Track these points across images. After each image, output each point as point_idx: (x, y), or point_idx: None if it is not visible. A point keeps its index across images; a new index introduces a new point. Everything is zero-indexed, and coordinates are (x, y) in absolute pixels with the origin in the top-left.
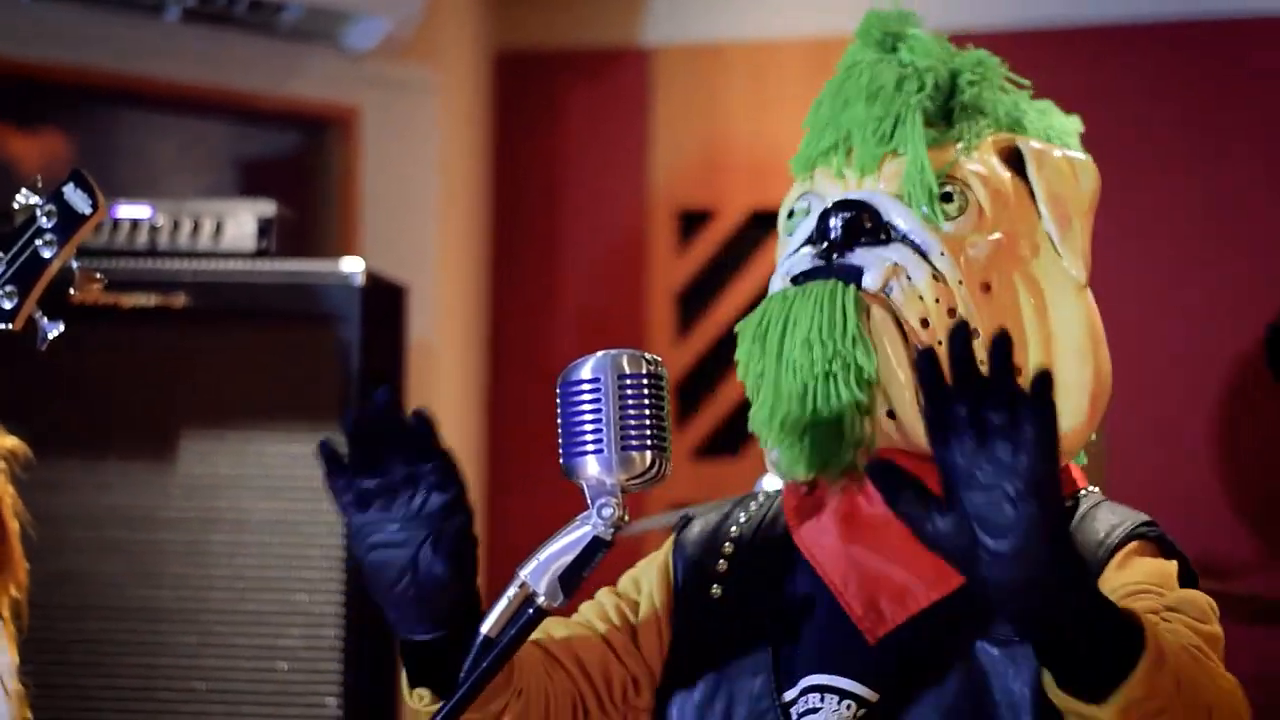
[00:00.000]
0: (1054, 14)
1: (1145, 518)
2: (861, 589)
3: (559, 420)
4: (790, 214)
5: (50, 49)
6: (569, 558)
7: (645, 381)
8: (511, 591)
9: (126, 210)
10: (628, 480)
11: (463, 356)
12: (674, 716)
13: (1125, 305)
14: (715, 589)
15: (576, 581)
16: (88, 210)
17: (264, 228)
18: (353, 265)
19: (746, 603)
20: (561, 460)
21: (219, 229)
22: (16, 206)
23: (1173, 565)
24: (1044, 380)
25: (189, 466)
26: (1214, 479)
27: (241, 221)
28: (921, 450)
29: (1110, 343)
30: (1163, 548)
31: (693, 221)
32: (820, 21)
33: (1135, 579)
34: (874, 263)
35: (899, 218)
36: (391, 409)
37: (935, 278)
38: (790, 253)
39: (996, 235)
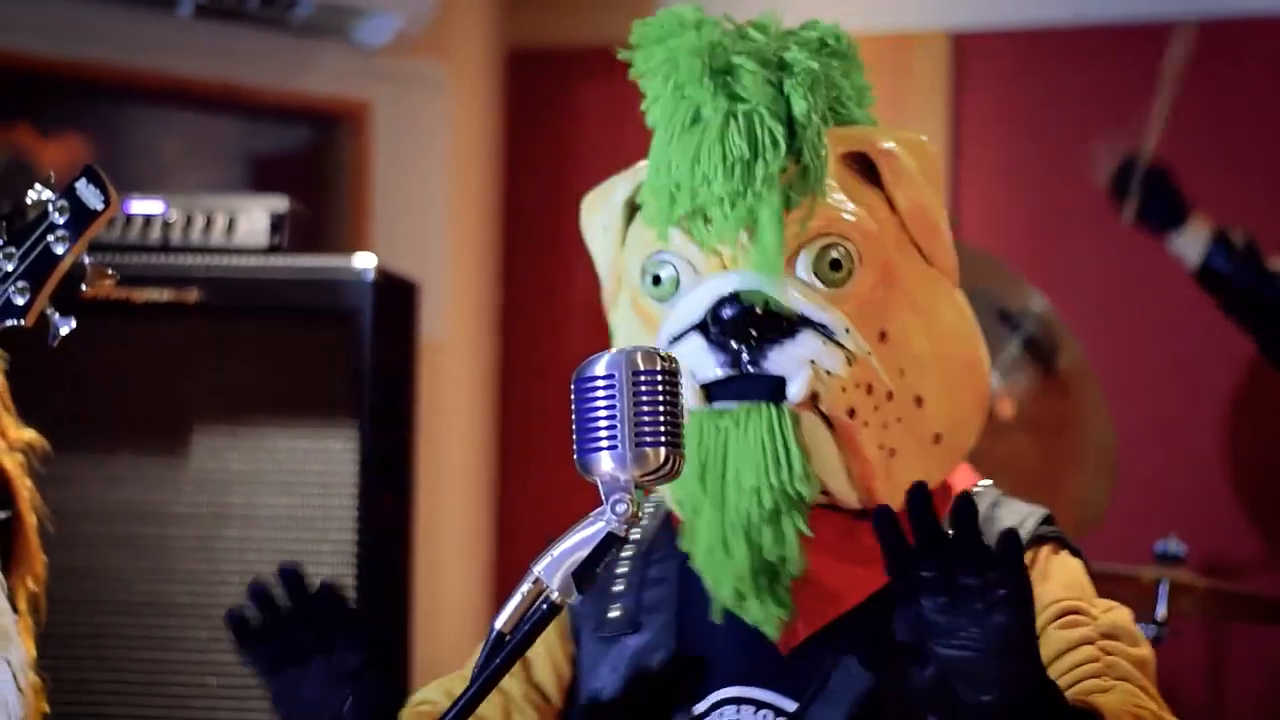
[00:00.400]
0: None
1: (1044, 513)
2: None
3: (573, 417)
4: (656, 279)
5: (62, 45)
6: (583, 553)
7: (659, 378)
8: (525, 587)
9: (139, 205)
10: (641, 476)
11: (473, 353)
12: None
13: (1132, 305)
14: (614, 610)
15: (590, 577)
16: (100, 206)
17: (277, 223)
18: (365, 261)
19: (648, 621)
20: (576, 456)
21: (232, 224)
22: (29, 202)
23: (1079, 565)
24: (1012, 540)
25: (201, 461)
26: (1219, 479)
27: (254, 217)
28: (848, 507)
29: (1118, 342)
30: (1063, 546)
31: None
32: (840, 16)
33: (1059, 594)
34: (792, 368)
35: (794, 301)
36: (297, 583)
37: (849, 360)
38: (679, 333)
39: (877, 277)
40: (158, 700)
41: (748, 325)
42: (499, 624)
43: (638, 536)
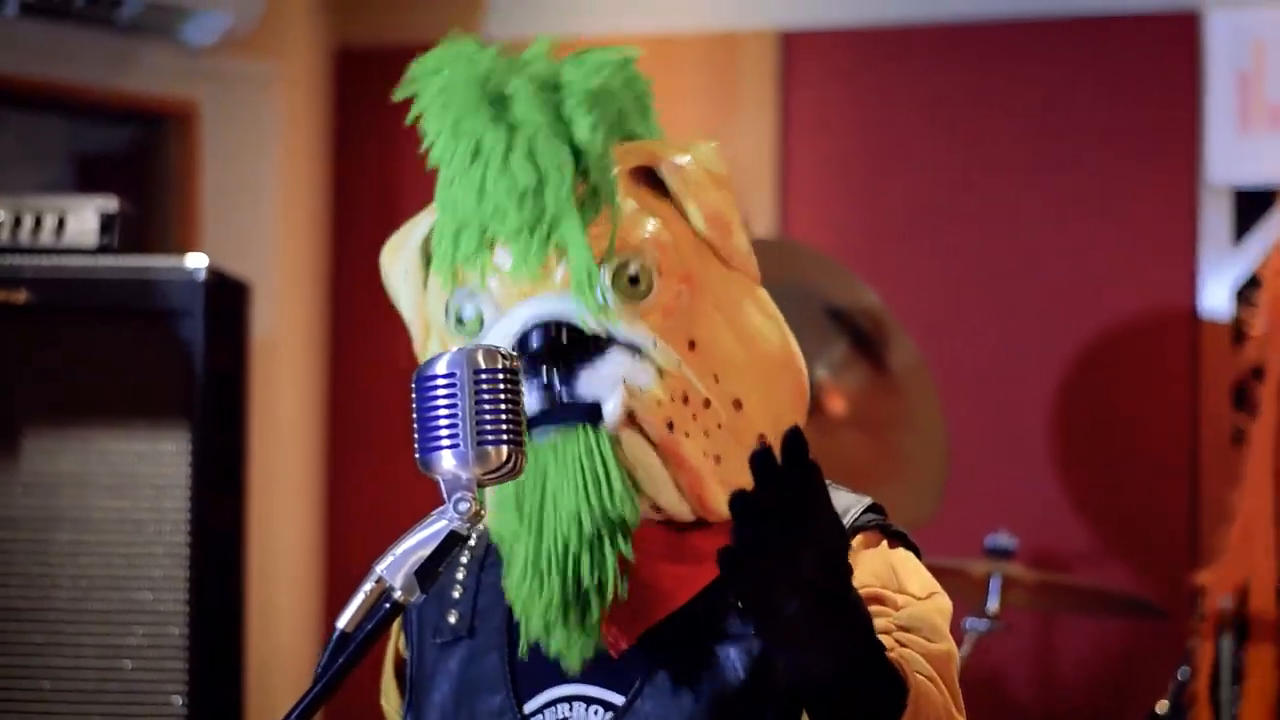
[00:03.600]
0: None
1: (868, 502)
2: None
3: (414, 415)
4: (460, 319)
5: None
6: (425, 552)
7: (501, 376)
8: (368, 586)
9: None
10: (484, 475)
11: (304, 353)
12: None
13: (963, 301)
14: (451, 615)
15: (433, 576)
16: None
17: (107, 223)
18: (196, 261)
19: (481, 626)
20: (417, 455)
21: (61, 224)
22: None
23: (899, 555)
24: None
25: (31, 464)
26: (1047, 473)
27: (84, 217)
28: (682, 520)
29: (950, 337)
30: (886, 534)
31: None
32: (667, 21)
33: (863, 580)
34: (604, 389)
35: (598, 321)
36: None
37: (660, 373)
38: None
39: (680, 287)
40: None
41: (556, 351)
42: (341, 623)
43: (473, 543)
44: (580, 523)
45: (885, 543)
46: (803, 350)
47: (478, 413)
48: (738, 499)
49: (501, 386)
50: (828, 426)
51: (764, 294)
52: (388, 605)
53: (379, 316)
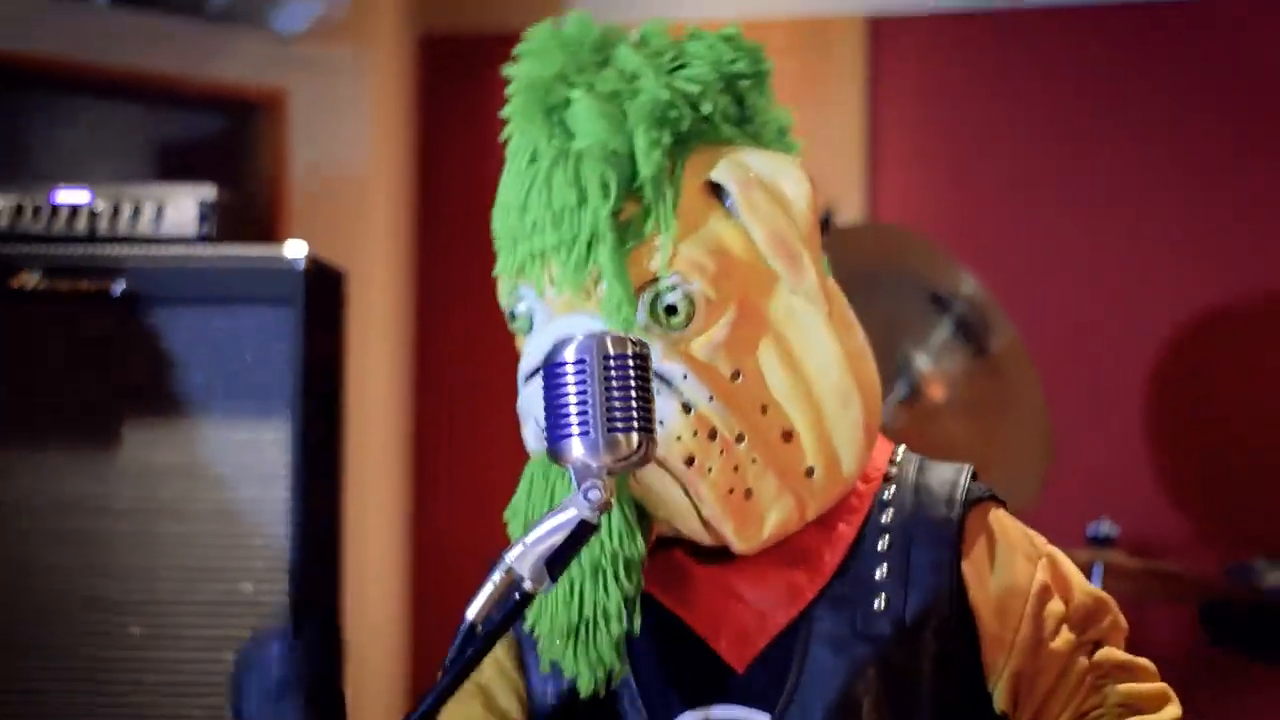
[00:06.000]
0: None
1: (970, 468)
2: (720, 624)
3: (544, 404)
4: (513, 313)
5: None
6: (555, 541)
7: (630, 362)
8: (496, 576)
9: (65, 195)
10: (614, 462)
11: (394, 341)
12: None
13: (1062, 284)
14: None
15: (562, 565)
16: None
17: (205, 212)
18: (295, 250)
19: None
20: (547, 444)
21: (160, 213)
22: None
23: (1018, 525)
24: None
25: (132, 455)
26: (1145, 459)
27: (182, 206)
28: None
29: (1051, 322)
30: (996, 501)
31: None
32: (755, 6)
33: (1029, 570)
34: None
35: None
36: None
37: (685, 408)
38: (527, 374)
39: (729, 314)
40: (96, 698)
41: None
42: (471, 614)
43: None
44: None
45: (998, 510)
46: (903, 336)
47: (608, 399)
48: None
49: (631, 373)
50: (928, 413)
51: (840, 322)
52: (517, 596)
53: (466, 303)
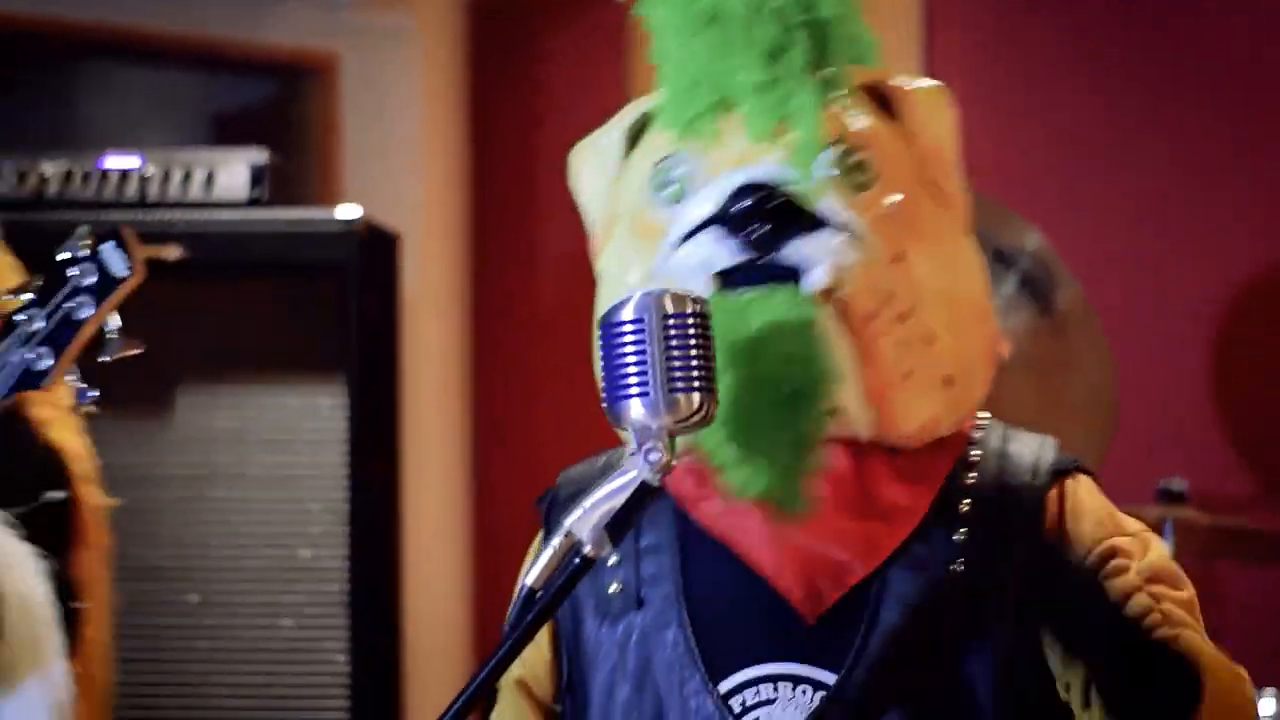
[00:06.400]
0: None
1: (1055, 441)
2: (795, 570)
3: (600, 364)
4: (665, 181)
5: None
6: (616, 504)
7: (690, 321)
8: (556, 541)
9: (115, 161)
10: (675, 424)
11: (449, 306)
12: None
13: (1129, 240)
14: (613, 586)
15: (624, 529)
16: (124, 273)
17: (257, 176)
18: (349, 212)
19: (650, 595)
20: (604, 405)
21: (210, 178)
22: (60, 258)
23: (1099, 498)
24: None
25: (187, 421)
26: (1224, 416)
27: (234, 171)
28: (859, 437)
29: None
30: (1082, 469)
31: None
32: None
33: (1095, 534)
34: (811, 258)
35: (816, 197)
36: None
37: (869, 266)
38: (689, 231)
39: (898, 197)
40: (151, 666)
41: (766, 214)
42: (529, 580)
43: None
44: (788, 365)
45: (1083, 479)
46: None
47: (668, 359)
48: None
49: (692, 331)
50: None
51: (973, 244)
52: (577, 560)
53: (518, 268)
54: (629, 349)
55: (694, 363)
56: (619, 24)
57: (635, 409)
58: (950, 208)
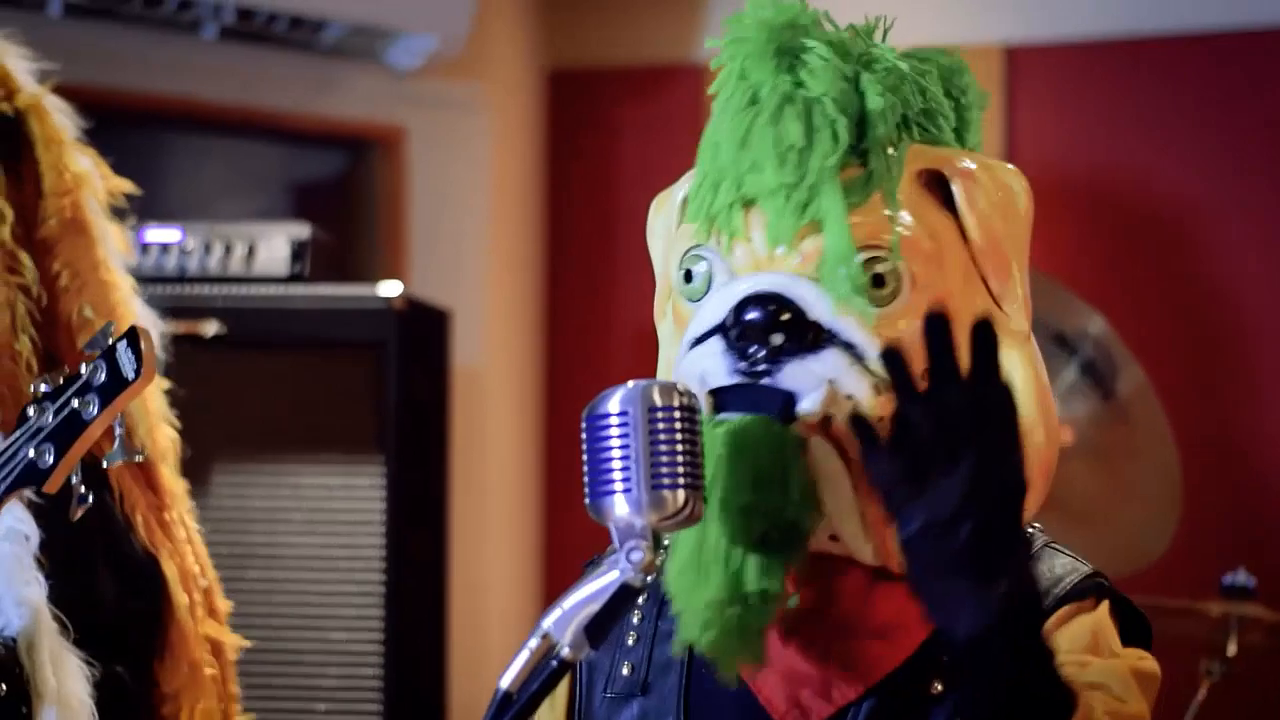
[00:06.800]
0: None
1: (1090, 568)
2: (782, 684)
3: (584, 457)
4: (688, 275)
5: (84, 70)
6: (596, 606)
7: (677, 415)
8: (533, 643)
9: (155, 234)
10: (659, 521)
11: (515, 382)
12: None
13: (1194, 326)
14: (625, 665)
15: (604, 632)
16: (131, 376)
17: (298, 251)
18: (390, 289)
19: (656, 683)
20: (587, 500)
21: (251, 252)
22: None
23: (1105, 620)
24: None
25: (221, 499)
26: None
27: (274, 245)
28: (861, 561)
29: (1180, 365)
30: (1114, 604)
31: None
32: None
33: (1069, 645)
34: (807, 383)
35: (826, 313)
36: None
37: (876, 389)
38: (699, 335)
39: (929, 306)
40: None
41: (770, 331)
42: (504, 683)
43: (652, 580)
44: (750, 519)
45: (1101, 607)
46: None
47: (653, 454)
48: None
49: (678, 426)
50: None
51: (1036, 353)
52: (554, 663)
53: (592, 343)
54: (614, 442)
55: (680, 458)
56: (694, 96)
57: (618, 505)
58: (1005, 306)
